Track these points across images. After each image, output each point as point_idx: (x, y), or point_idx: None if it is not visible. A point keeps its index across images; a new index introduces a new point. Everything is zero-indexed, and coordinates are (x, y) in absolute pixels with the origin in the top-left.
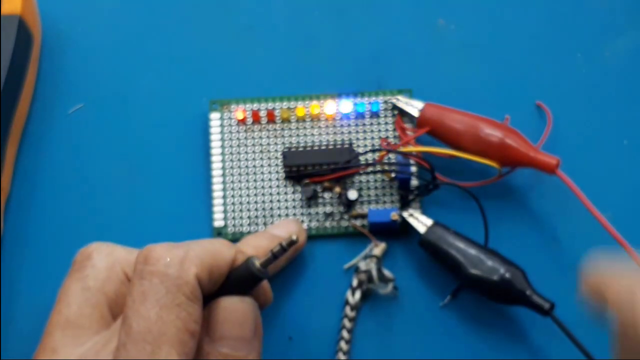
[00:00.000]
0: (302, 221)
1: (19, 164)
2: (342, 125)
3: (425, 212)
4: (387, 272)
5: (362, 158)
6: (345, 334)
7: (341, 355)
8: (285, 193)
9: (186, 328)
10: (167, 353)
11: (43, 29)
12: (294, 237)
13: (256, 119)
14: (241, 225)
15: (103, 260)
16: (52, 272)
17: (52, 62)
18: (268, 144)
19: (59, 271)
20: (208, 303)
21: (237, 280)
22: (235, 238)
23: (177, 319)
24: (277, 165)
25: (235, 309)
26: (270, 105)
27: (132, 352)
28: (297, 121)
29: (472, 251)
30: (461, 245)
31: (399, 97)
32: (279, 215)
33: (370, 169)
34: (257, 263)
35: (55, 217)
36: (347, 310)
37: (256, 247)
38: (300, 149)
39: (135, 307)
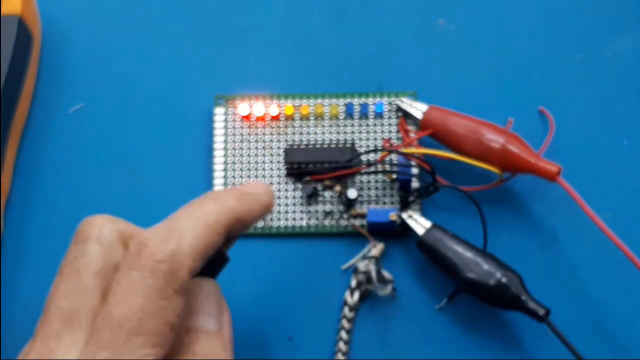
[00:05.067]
0: (302, 219)
1: (19, 164)
2: (345, 125)
3: (425, 214)
4: (386, 274)
5: (363, 158)
6: (343, 334)
7: (340, 356)
8: (286, 190)
9: (168, 320)
10: (141, 343)
11: (43, 29)
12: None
13: (260, 116)
14: None
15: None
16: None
17: (52, 62)
18: (271, 141)
19: None
20: None
21: (205, 264)
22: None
23: (161, 311)
24: (278, 162)
25: (199, 289)
26: (275, 102)
27: (105, 336)
28: (301, 119)
29: (469, 255)
30: (458, 248)
31: (403, 98)
32: (279, 212)
33: (371, 169)
34: (223, 249)
35: (55, 217)
36: (346, 310)
37: (236, 214)
38: (302, 147)
39: (119, 295)
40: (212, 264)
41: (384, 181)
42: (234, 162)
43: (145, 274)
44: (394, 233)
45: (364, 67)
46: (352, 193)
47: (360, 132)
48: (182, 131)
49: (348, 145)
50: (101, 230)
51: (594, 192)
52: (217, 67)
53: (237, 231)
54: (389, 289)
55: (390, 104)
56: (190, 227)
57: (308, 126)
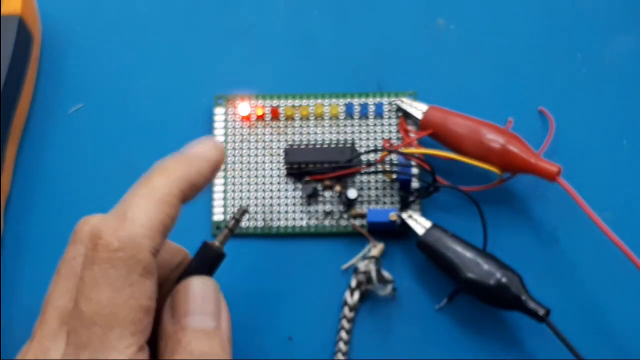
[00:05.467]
0: (302, 219)
1: (19, 164)
2: (345, 125)
3: (425, 214)
4: (386, 274)
5: (363, 158)
6: (343, 334)
7: (340, 356)
8: (286, 190)
9: (140, 306)
10: (119, 334)
11: (43, 29)
12: (245, 207)
13: (260, 116)
14: None
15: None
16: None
17: (52, 62)
18: (271, 141)
19: None
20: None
21: (200, 262)
22: (233, 233)
23: (130, 298)
24: (278, 162)
25: (196, 287)
26: (275, 102)
27: (82, 335)
28: (301, 119)
29: (469, 255)
30: (458, 248)
31: (404, 98)
32: (279, 212)
33: (371, 169)
34: (217, 243)
35: (55, 217)
36: (346, 310)
37: (186, 181)
38: (302, 147)
39: (86, 292)
40: (207, 261)
41: (384, 181)
42: (234, 162)
43: (106, 266)
44: (394, 233)
45: (364, 67)
46: (352, 193)
47: (360, 132)
48: (182, 131)
49: (348, 145)
50: None
51: (594, 192)
52: (217, 67)
53: (194, 194)
54: (389, 289)
55: (390, 104)
56: (140, 206)
57: (308, 126)
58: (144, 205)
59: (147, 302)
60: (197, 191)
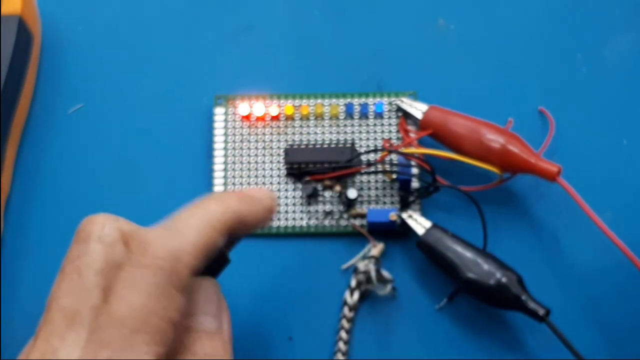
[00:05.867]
0: (302, 219)
1: (19, 164)
2: (345, 125)
3: (425, 214)
4: (385, 273)
5: (363, 158)
6: (343, 334)
7: (340, 356)
8: (286, 190)
9: (169, 318)
10: (143, 340)
11: (43, 29)
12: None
13: (260, 116)
14: None
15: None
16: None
17: (52, 62)
18: (271, 141)
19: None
20: None
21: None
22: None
23: (163, 309)
24: (278, 162)
25: (200, 288)
26: (275, 102)
27: (106, 334)
28: (301, 119)
29: (469, 255)
30: (458, 248)
31: (404, 98)
32: (279, 212)
33: (371, 169)
34: (224, 248)
35: (55, 217)
36: (346, 310)
37: (238, 215)
38: (302, 147)
39: (121, 293)
40: (213, 264)
41: (384, 181)
42: (234, 162)
43: (148, 273)
44: (394, 233)
45: (364, 67)
46: (352, 193)
47: (360, 132)
48: (182, 131)
49: (348, 145)
50: (102, 229)
51: (594, 192)
52: (217, 67)
53: (240, 233)
54: (388, 288)
55: (390, 104)
56: (192, 226)
57: (308, 126)
58: (195, 225)
59: (176, 316)
60: (244, 230)
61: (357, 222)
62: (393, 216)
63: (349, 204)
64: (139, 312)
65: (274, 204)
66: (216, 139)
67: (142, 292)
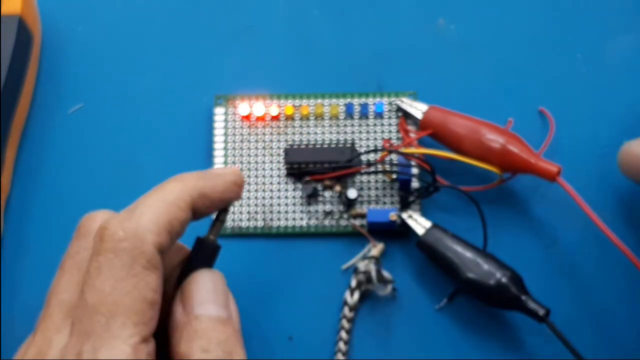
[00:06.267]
0: (302, 219)
1: (19, 164)
2: (345, 125)
3: (425, 214)
4: (386, 274)
5: (363, 158)
6: (343, 334)
7: (340, 356)
8: (286, 190)
9: (144, 297)
10: (122, 324)
11: (43, 29)
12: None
13: (260, 116)
14: (240, 220)
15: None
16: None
17: (52, 62)
18: (271, 141)
19: None
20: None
21: (199, 257)
22: (233, 233)
23: (134, 289)
24: (278, 162)
25: (206, 279)
26: (275, 102)
27: (86, 324)
28: (301, 119)
29: (469, 255)
30: (458, 248)
31: (404, 98)
32: (279, 212)
33: (371, 169)
34: (211, 237)
35: (55, 217)
36: (346, 310)
37: (199, 190)
38: (302, 147)
39: (90, 282)
40: (206, 255)
41: (384, 181)
42: (234, 162)
43: (110, 256)
44: (394, 233)
45: (364, 67)
46: (352, 193)
47: (360, 132)
48: (182, 131)
49: (348, 145)
50: None
51: (594, 192)
52: (217, 67)
53: (205, 207)
54: (388, 288)
55: (390, 104)
56: (150, 205)
57: (308, 126)
58: (152, 204)
59: (151, 295)
60: (209, 204)
61: (357, 222)
62: (393, 216)
63: (349, 204)
64: (110, 297)
65: (238, 178)
66: (216, 139)
67: (108, 277)
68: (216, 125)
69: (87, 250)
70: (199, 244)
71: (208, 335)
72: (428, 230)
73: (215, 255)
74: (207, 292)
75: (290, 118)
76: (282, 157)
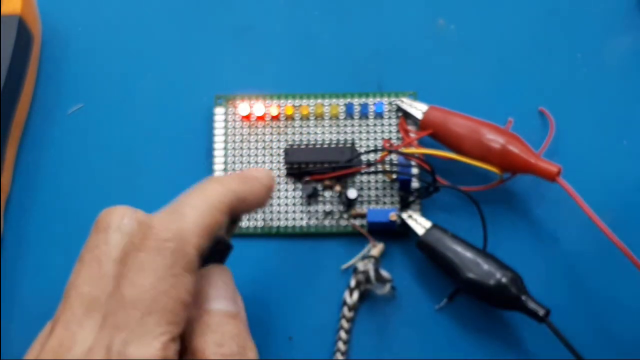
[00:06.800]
0: (302, 219)
1: (19, 164)
2: (345, 125)
3: (425, 214)
4: (384, 273)
5: (363, 158)
6: (343, 334)
7: (339, 356)
8: (286, 190)
9: (180, 298)
10: (156, 321)
11: (43, 29)
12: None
13: (260, 116)
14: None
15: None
16: (52, 272)
17: (52, 62)
18: (271, 141)
19: (59, 271)
20: None
21: (211, 255)
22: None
23: (172, 288)
24: (278, 162)
25: (217, 275)
26: (275, 102)
27: (120, 317)
28: (301, 119)
29: (469, 255)
30: (458, 248)
31: (404, 98)
32: (279, 212)
33: (371, 169)
34: (226, 236)
35: (55, 217)
36: (345, 310)
37: (239, 194)
38: (302, 147)
39: (130, 277)
40: (217, 252)
41: (384, 181)
42: (234, 162)
43: (153, 254)
44: (394, 233)
45: (364, 67)
46: (352, 193)
47: (360, 132)
48: (182, 131)
49: (348, 145)
50: (122, 220)
51: (594, 192)
52: (217, 67)
53: (241, 211)
54: (387, 288)
55: (390, 104)
56: (195, 207)
57: (308, 126)
58: (196, 206)
59: (186, 296)
60: (245, 208)
61: (357, 222)
62: (393, 216)
63: (349, 204)
64: (149, 293)
65: (272, 181)
66: (216, 139)
67: (150, 274)
68: (216, 125)
69: (107, 244)
70: (214, 243)
71: (222, 330)
72: (428, 230)
73: (226, 255)
74: (218, 287)
75: (290, 118)
76: (282, 157)
